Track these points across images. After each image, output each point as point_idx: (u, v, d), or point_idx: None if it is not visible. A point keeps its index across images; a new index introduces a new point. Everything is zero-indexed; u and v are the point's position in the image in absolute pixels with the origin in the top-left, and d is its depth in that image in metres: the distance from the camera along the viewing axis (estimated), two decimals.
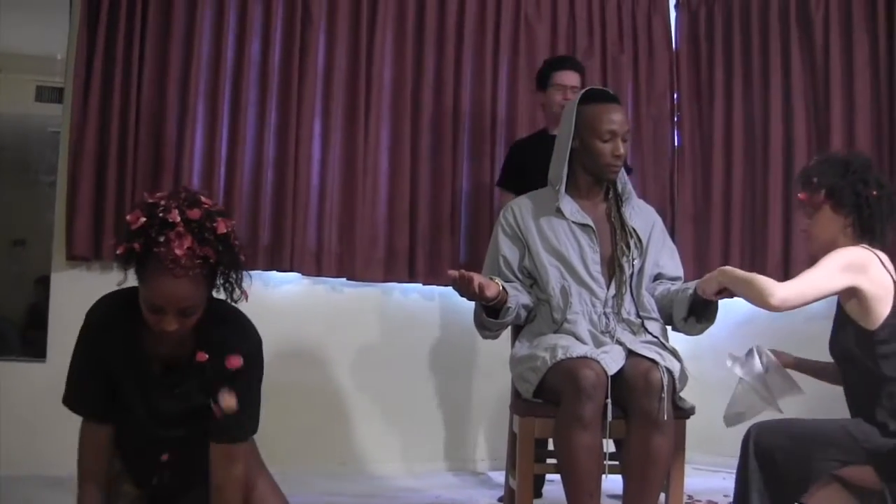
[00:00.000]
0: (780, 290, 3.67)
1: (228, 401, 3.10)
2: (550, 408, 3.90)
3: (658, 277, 4.35)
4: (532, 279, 4.26)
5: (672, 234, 6.06)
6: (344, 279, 6.19)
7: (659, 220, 4.49)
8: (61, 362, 5.63)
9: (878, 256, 3.77)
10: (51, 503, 4.85)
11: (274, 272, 6.05)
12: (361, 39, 6.25)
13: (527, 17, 6.70)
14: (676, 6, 7.15)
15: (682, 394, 3.94)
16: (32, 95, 6.14)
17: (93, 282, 5.73)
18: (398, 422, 6.37)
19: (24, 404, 5.53)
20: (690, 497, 5.49)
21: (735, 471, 3.80)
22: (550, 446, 4.26)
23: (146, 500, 3.42)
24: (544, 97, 5.73)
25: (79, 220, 5.60)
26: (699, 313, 4.18)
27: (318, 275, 6.11)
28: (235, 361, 3.09)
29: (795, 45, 6.54)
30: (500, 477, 5.90)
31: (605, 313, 4.15)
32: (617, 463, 3.92)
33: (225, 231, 3.02)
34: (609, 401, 3.79)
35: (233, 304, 3.19)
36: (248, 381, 3.22)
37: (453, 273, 3.93)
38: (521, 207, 4.35)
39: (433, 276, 6.30)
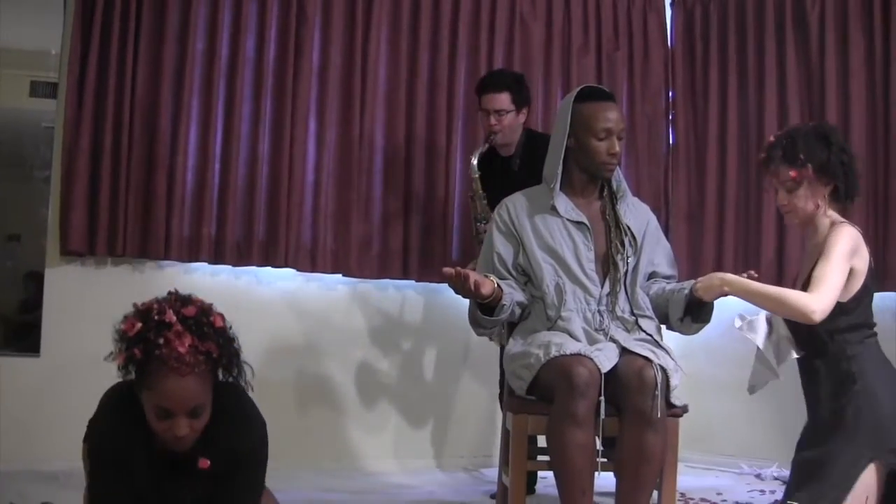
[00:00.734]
0: (818, 304, 3.74)
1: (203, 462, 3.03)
2: (544, 405, 3.91)
3: (652, 276, 4.35)
4: (526, 276, 4.27)
5: (666, 232, 6.06)
6: (338, 276, 6.19)
7: (653, 218, 4.49)
8: (55, 357, 5.70)
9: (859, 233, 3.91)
10: (44, 498, 4.84)
11: (268, 268, 6.04)
12: (356, 37, 6.25)
13: (522, 15, 6.69)
14: (672, 4, 7.15)
15: (675, 392, 3.94)
16: (27, 91, 6.14)
17: (87, 277, 5.75)
18: (391, 418, 6.38)
19: (17, 399, 5.53)
20: (683, 495, 5.49)
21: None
22: (544, 443, 4.27)
23: None
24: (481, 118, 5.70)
25: (73, 216, 5.60)
26: (695, 313, 4.18)
27: (313, 271, 6.12)
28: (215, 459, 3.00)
29: (791, 44, 6.54)
30: (493, 474, 5.90)
31: (599, 311, 4.15)
32: (610, 460, 3.92)
33: (222, 325, 2.97)
34: (602, 398, 3.80)
35: (230, 384, 3.10)
36: (255, 471, 3.14)
37: (449, 270, 3.93)
38: (515, 205, 4.35)
39: (427, 273, 6.29)
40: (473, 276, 3.93)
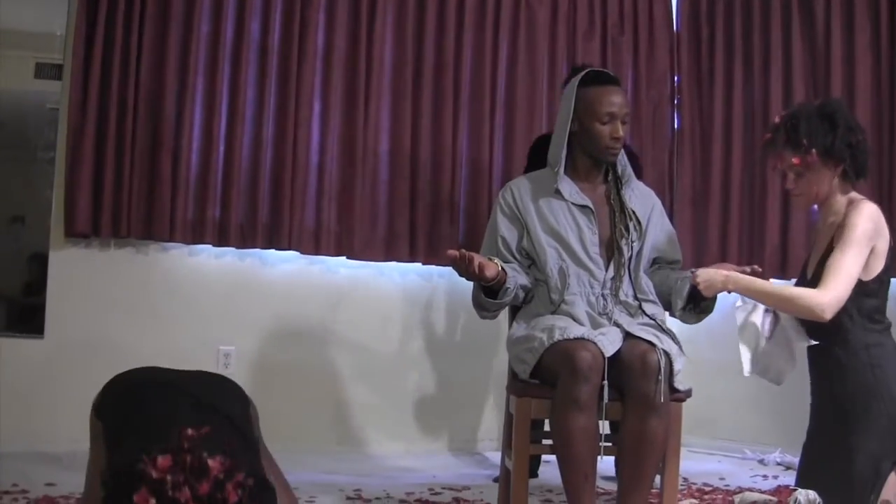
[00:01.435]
0: (827, 298, 3.73)
1: None
2: (547, 389, 3.91)
3: (656, 261, 4.35)
4: (530, 260, 4.27)
5: (671, 216, 6.05)
6: (342, 258, 6.19)
7: (658, 202, 4.49)
8: (59, 339, 5.71)
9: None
10: (47, 479, 4.86)
11: (272, 250, 6.05)
12: (362, 20, 6.23)
13: None
14: None
15: (678, 376, 3.94)
16: (32, 72, 6.12)
17: (91, 259, 5.76)
18: (395, 402, 6.38)
19: (21, 380, 5.55)
20: (686, 480, 5.49)
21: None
22: (547, 427, 4.28)
23: None
24: None
25: (77, 198, 5.60)
26: (697, 302, 4.18)
27: (317, 253, 6.12)
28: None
29: (797, 29, 6.53)
30: (496, 457, 5.91)
31: (602, 295, 4.15)
32: (612, 444, 3.92)
33: (237, 499, 2.87)
34: (605, 382, 3.80)
35: None
36: None
37: (453, 253, 3.93)
38: (520, 188, 4.35)
39: (432, 256, 6.30)
40: (478, 259, 3.93)
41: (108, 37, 5.67)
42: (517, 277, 4.16)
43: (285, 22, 6.08)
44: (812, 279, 3.91)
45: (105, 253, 5.78)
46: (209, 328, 5.96)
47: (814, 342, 3.92)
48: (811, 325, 3.90)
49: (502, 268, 4.08)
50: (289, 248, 6.01)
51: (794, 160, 3.87)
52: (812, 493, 3.68)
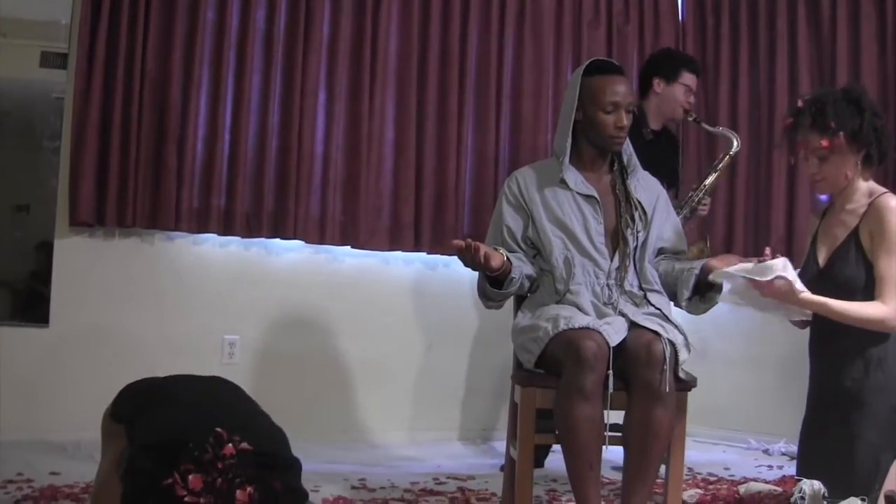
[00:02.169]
0: (892, 311, 3.74)
1: None
2: (552, 378, 3.91)
3: (662, 251, 4.35)
4: (535, 249, 4.26)
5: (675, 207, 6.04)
6: (347, 248, 6.19)
7: (664, 192, 4.49)
8: (63, 328, 5.71)
9: None
10: (51, 468, 4.86)
11: (277, 239, 6.05)
12: (367, 9, 6.22)
13: None
14: None
15: (683, 366, 3.93)
16: (37, 61, 6.11)
17: (96, 248, 5.75)
18: (399, 391, 6.39)
19: (25, 369, 5.55)
20: (691, 469, 5.50)
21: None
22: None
23: None
24: (666, 88, 5.79)
25: (82, 187, 5.59)
26: (703, 294, 4.18)
27: (322, 243, 6.12)
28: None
29: (802, 18, 6.52)
30: (501, 447, 5.91)
31: (608, 285, 4.15)
32: (618, 434, 3.92)
33: None
34: (611, 372, 3.80)
35: None
36: None
37: (459, 243, 3.92)
38: (525, 178, 4.35)
39: (437, 246, 6.30)
40: (483, 249, 3.93)
41: (113, 26, 5.67)
42: (522, 267, 4.16)
43: (291, 11, 6.07)
44: (826, 269, 3.92)
45: (110, 242, 5.78)
46: (214, 317, 5.96)
47: (807, 316, 3.94)
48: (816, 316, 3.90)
49: (507, 258, 4.08)
50: (294, 238, 6.01)
51: (823, 143, 3.87)
52: (817, 484, 3.68)
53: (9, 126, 6.00)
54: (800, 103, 4.01)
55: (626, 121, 4.21)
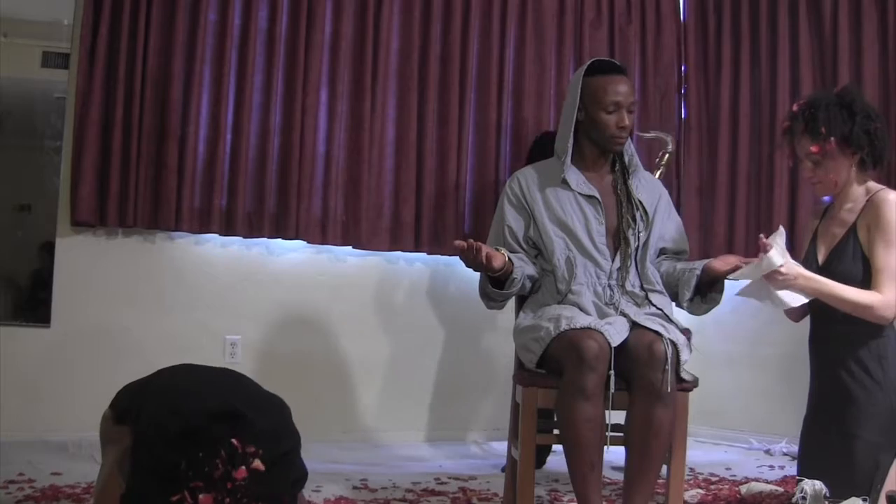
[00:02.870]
0: (888, 303, 3.77)
1: None
2: (553, 378, 3.91)
3: (663, 251, 4.35)
4: (537, 250, 4.26)
5: (677, 206, 6.05)
6: (348, 248, 6.19)
7: (665, 192, 4.49)
8: (65, 328, 5.72)
9: None
10: (53, 468, 4.86)
11: (279, 240, 6.05)
12: (369, 8, 6.23)
13: None
14: None
15: (685, 366, 3.93)
16: (38, 61, 6.12)
17: (97, 248, 5.75)
18: (401, 391, 6.39)
19: (27, 369, 5.55)
20: (692, 469, 5.50)
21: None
22: (554, 417, 4.27)
23: None
24: None
25: (84, 186, 5.59)
26: (704, 294, 4.19)
27: (323, 243, 6.12)
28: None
29: (804, 18, 6.52)
30: (502, 447, 5.91)
31: (609, 285, 4.15)
32: (620, 434, 3.92)
33: None
34: (612, 372, 3.80)
35: None
36: None
37: (460, 243, 3.92)
38: (527, 178, 4.35)
39: (438, 246, 6.30)
40: (485, 249, 3.93)
41: (114, 26, 5.67)
42: (524, 268, 4.16)
43: (292, 10, 6.07)
44: (825, 265, 3.93)
45: (111, 242, 5.78)
46: (215, 317, 5.97)
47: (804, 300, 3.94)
48: (820, 306, 3.91)
49: (509, 258, 4.08)
50: (295, 238, 6.01)
51: (813, 148, 3.90)
52: (818, 484, 3.68)
53: (10, 126, 6.00)
54: (794, 107, 4.04)
55: (627, 120, 4.21)
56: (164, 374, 3.16)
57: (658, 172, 5.70)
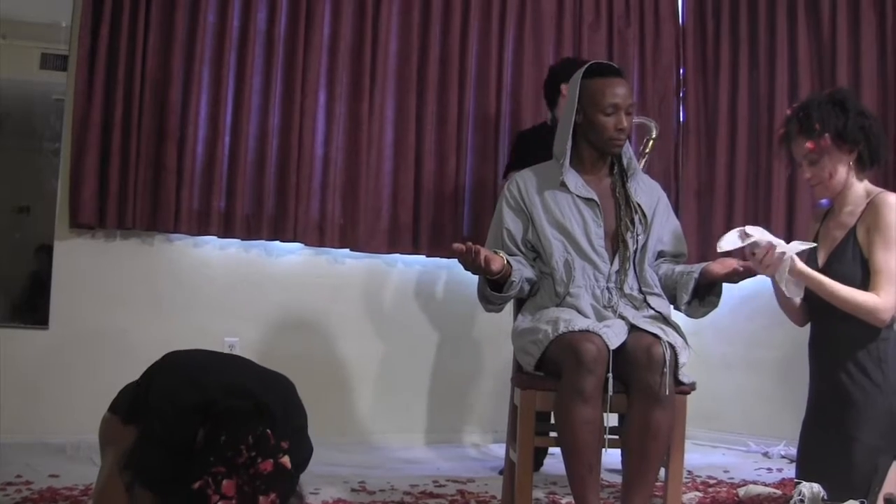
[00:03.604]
0: (884, 304, 3.81)
1: None
2: (552, 381, 3.91)
3: (662, 254, 4.35)
4: (535, 252, 4.26)
5: (676, 209, 6.06)
6: (346, 250, 6.20)
7: (664, 196, 4.48)
8: (63, 330, 5.71)
9: None
10: (51, 470, 4.86)
11: (277, 242, 6.05)
12: (367, 10, 6.24)
13: None
14: None
15: (683, 369, 3.93)
16: (37, 63, 6.12)
17: (96, 250, 5.75)
18: (399, 393, 6.39)
19: (25, 371, 5.54)
20: (690, 472, 5.50)
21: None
22: (552, 419, 4.27)
23: None
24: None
25: (83, 188, 5.59)
26: (703, 297, 4.19)
27: (321, 245, 6.12)
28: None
29: (802, 21, 6.53)
30: (500, 450, 5.91)
31: (607, 288, 4.15)
32: (617, 437, 3.92)
33: None
34: (610, 375, 3.80)
35: None
36: None
37: (459, 246, 3.92)
38: (525, 181, 4.35)
39: (437, 249, 6.30)
40: (483, 252, 3.93)
41: (113, 28, 5.67)
42: (522, 270, 4.16)
43: (291, 12, 6.08)
44: (824, 268, 3.94)
45: (110, 244, 5.78)
46: (214, 319, 5.96)
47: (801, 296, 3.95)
48: (821, 309, 3.91)
49: (508, 261, 4.08)
50: (293, 240, 6.02)
51: (809, 145, 3.90)
52: (816, 486, 3.69)
53: (9, 127, 6.00)
54: (788, 112, 4.06)
55: (626, 123, 4.21)
56: (173, 355, 3.17)
57: (643, 161, 5.68)
